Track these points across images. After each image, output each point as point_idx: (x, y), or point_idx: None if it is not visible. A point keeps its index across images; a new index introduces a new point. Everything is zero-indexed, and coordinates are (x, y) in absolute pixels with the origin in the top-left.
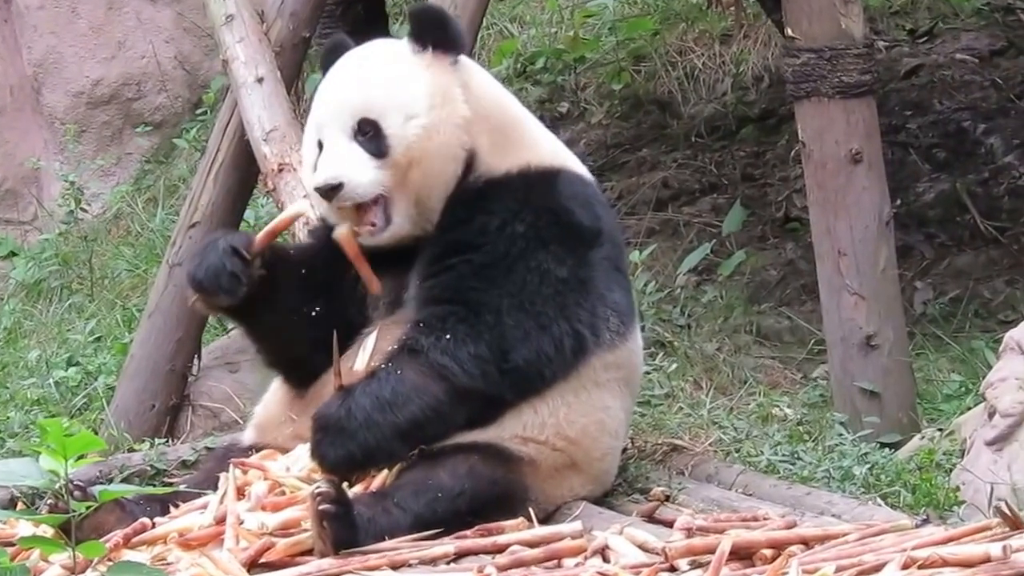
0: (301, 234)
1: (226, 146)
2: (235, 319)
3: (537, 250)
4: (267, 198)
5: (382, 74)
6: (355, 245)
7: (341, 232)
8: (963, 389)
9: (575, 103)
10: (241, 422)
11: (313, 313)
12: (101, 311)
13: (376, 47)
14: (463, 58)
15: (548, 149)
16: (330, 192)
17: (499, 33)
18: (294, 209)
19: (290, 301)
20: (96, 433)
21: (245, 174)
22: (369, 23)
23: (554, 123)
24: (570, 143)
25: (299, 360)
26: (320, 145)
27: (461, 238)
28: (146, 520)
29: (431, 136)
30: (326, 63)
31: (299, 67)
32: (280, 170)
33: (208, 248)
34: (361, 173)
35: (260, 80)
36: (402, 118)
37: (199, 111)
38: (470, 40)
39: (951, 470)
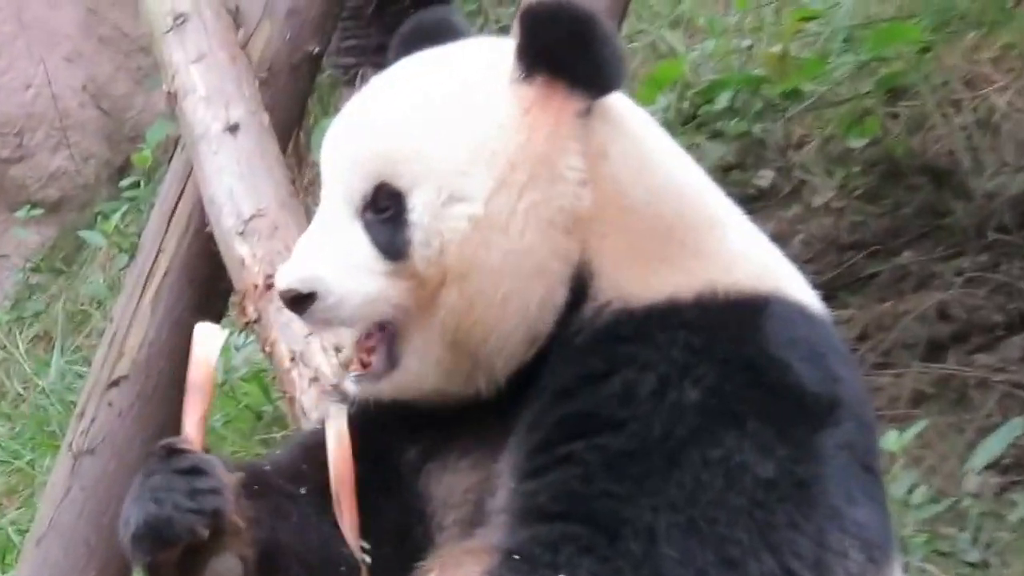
0: (301, 385)
1: (173, 244)
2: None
3: (722, 431)
4: (245, 335)
5: (431, 106)
6: (346, 443)
7: (331, 418)
8: None
9: (784, 171)
10: None
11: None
12: None
13: (464, 56)
14: (611, 102)
15: (750, 261)
16: (295, 303)
17: (650, 48)
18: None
19: (302, 539)
20: None
21: (207, 293)
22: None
23: (747, 207)
24: (775, 242)
25: None
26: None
27: (586, 408)
28: None
29: (488, 238)
30: (398, 56)
31: (302, 106)
32: (268, 288)
33: (146, 482)
34: (354, 277)
35: (233, 128)
36: (443, 197)
37: (125, 182)
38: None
39: None
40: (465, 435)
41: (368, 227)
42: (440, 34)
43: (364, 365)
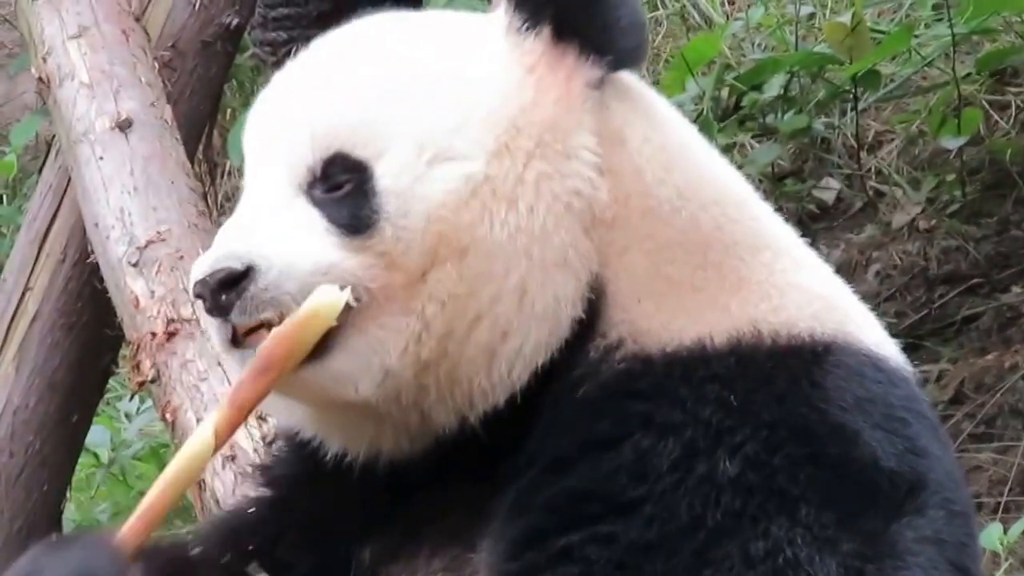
0: (213, 466)
1: (45, 280)
2: None
3: (768, 518)
4: (140, 399)
5: (403, 61)
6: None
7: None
8: None
9: (855, 181)
10: None
11: None
12: None
13: (433, 16)
14: (627, 79)
15: (807, 296)
16: (221, 289)
17: (678, 18)
18: (192, 450)
19: None
20: None
21: (89, 345)
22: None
23: (805, 226)
24: (841, 273)
25: None
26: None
27: (586, 485)
28: None
29: (490, 207)
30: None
31: (216, 97)
32: (171, 336)
33: None
34: (301, 245)
35: (125, 125)
36: (425, 157)
37: None
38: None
39: None
40: (435, 524)
41: (318, 204)
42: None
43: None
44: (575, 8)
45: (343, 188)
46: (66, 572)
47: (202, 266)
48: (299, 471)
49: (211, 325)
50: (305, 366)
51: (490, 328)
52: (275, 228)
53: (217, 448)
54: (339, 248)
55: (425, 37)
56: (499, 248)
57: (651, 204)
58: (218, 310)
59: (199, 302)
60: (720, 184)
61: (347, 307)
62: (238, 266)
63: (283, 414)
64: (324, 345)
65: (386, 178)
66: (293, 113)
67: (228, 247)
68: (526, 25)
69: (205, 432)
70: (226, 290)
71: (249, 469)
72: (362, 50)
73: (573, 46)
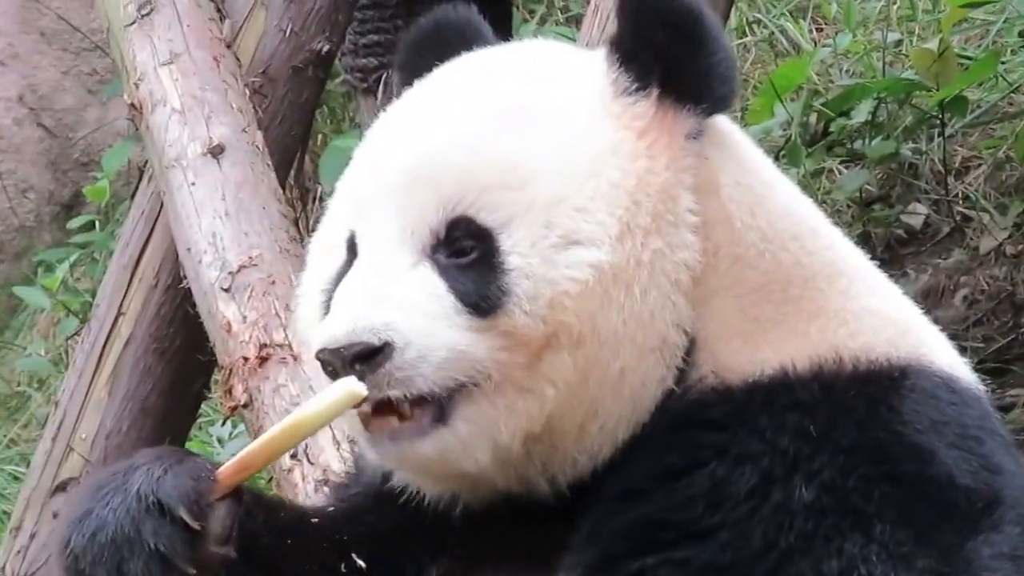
0: (305, 489)
1: (138, 305)
2: None
3: (843, 537)
4: (232, 424)
5: (533, 124)
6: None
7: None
8: None
9: (942, 206)
10: None
11: None
12: None
13: (538, 56)
14: (718, 123)
15: (884, 321)
16: (356, 362)
17: (767, 44)
18: (297, 420)
19: None
20: None
21: (182, 370)
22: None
23: (893, 251)
24: (930, 298)
25: None
26: (352, 250)
27: (663, 513)
28: None
29: (611, 293)
30: (412, 67)
31: (307, 122)
32: (263, 361)
33: (114, 492)
34: (435, 327)
35: (216, 151)
36: (553, 238)
37: (75, 223)
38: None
39: None
40: (508, 547)
41: (443, 272)
42: (464, 37)
43: (402, 417)
44: (682, 62)
45: (468, 255)
46: (152, 480)
47: (335, 333)
48: (372, 491)
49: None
50: (438, 431)
51: (588, 411)
52: (406, 299)
53: (222, 490)
54: (467, 330)
55: (538, 87)
56: (612, 336)
57: (739, 252)
58: (340, 370)
59: (322, 365)
60: (798, 217)
61: (464, 387)
62: (375, 342)
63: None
64: (447, 412)
65: (515, 256)
66: (417, 169)
67: (365, 318)
68: (635, 86)
69: (326, 401)
70: (360, 363)
71: (326, 489)
72: (480, 104)
73: (676, 99)
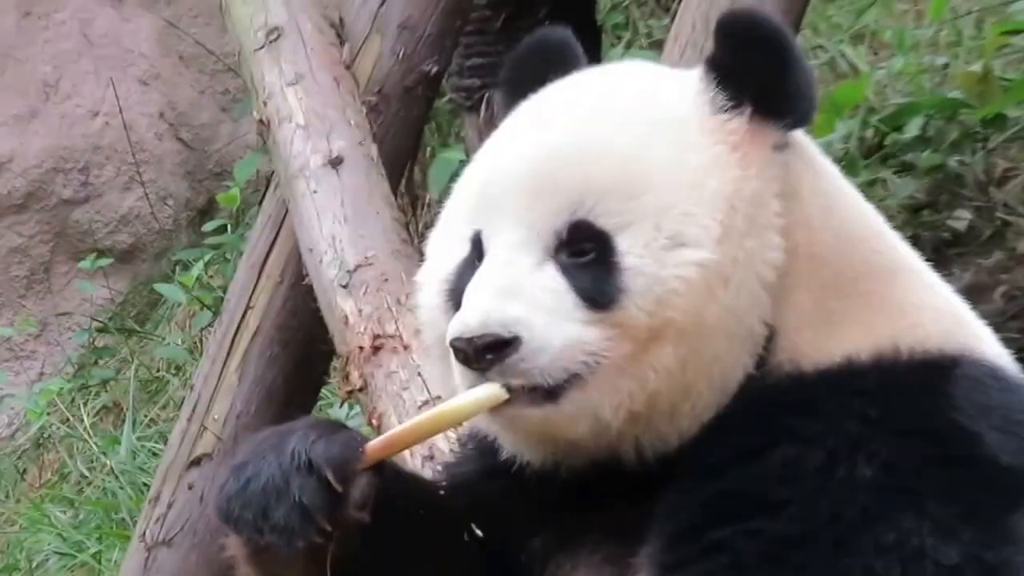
0: (413, 463)
1: (265, 300)
2: None
3: (899, 512)
4: (349, 407)
5: (643, 137)
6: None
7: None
8: None
9: (984, 212)
10: None
11: None
12: None
13: (637, 75)
14: (799, 137)
15: (938, 316)
16: (487, 352)
17: (829, 66)
18: (444, 411)
19: None
20: None
21: (303, 357)
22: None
23: (940, 252)
24: (973, 294)
25: None
26: (477, 244)
27: (739, 488)
28: None
29: (713, 290)
30: (516, 85)
31: (417, 137)
32: (377, 350)
33: (271, 449)
34: (556, 323)
35: (336, 162)
36: (662, 240)
37: (209, 226)
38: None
39: None
40: (598, 521)
41: (565, 271)
42: (564, 58)
43: (523, 388)
44: (772, 82)
45: (587, 255)
46: (308, 441)
47: (470, 323)
48: (481, 468)
49: (457, 368)
50: (547, 406)
51: (682, 394)
52: (533, 297)
53: (368, 462)
54: (583, 323)
55: (647, 105)
56: (710, 329)
57: (815, 250)
58: (476, 366)
59: (454, 351)
60: (864, 220)
61: (576, 375)
62: (506, 334)
63: (484, 426)
64: (557, 392)
65: (630, 256)
66: (543, 176)
67: (497, 311)
68: (731, 104)
69: (470, 398)
70: (490, 353)
71: (439, 468)
72: (597, 118)
73: (764, 115)
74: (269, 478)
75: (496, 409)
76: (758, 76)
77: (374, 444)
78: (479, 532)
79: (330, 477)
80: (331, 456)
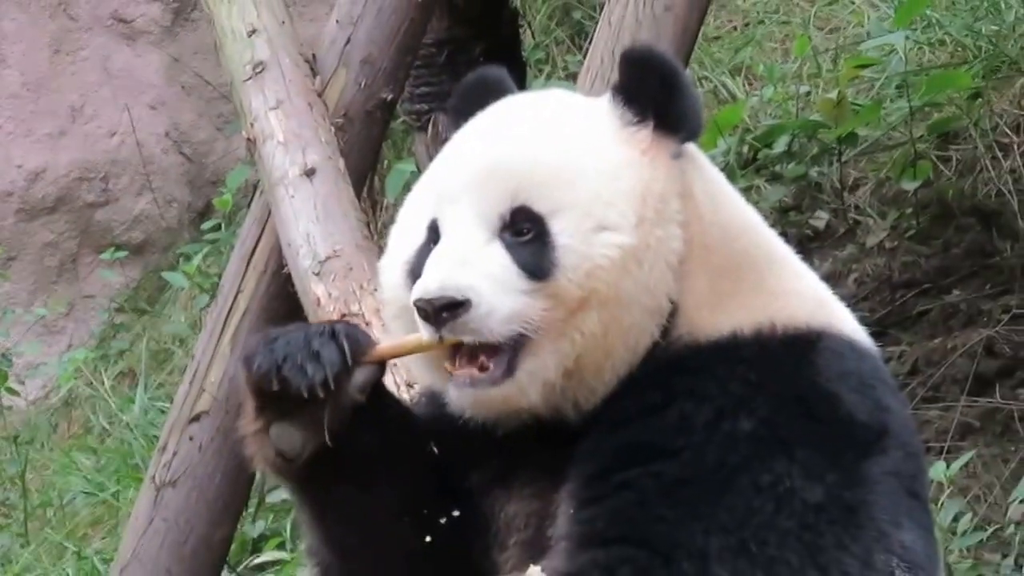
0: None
1: (252, 285)
2: (301, 483)
3: (773, 459)
4: None
5: (569, 142)
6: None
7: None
8: None
9: (839, 213)
10: None
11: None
12: (41, 562)
13: (559, 99)
14: (691, 148)
15: (804, 298)
16: (443, 311)
17: (712, 94)
18: (418, 336)
19: (388, 491)
20: None
21: None
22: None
23: (803, 246)
24: (830, 280)
25: None
26: (433, 230)
27: (643, 437)
28: None
29: (629, 267)
30: (462, 109)
31: (376, 152)
32: None
33: (298, 327)
34: (501, 293)
35: (310, 173)
36: (589, 224)
37: (207, 225)
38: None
39: None
40: (528, 462)
41: (508, 248)
42: (499, 89)
43: (482, 369)
44: (668, 103)
45: (526, 235)
46: (328, 324)
47: (429, 287)
48: (430, 413)
49: (422, 324)
50: (498, 382)
51: (604, 354)
52: (482, 268)
53: (372, 358)
54: (524, 292)
55: (572, 118)
56: (629, 300)
57: (707, 241)
58: (434, 324)
59: (417, 311)
60: (745, 217)
61: (522, 337)
62: (459, 297)
63: (427, 380)
64: (512, 365)
65: (563, 236)
66: (490, 170)
67: (452, 278)
68: (637, 119)
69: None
70: (445, 311)
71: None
72: (533, 126)
73: (663, 130)
74: (294, 337)
75: (461, 385)
76: (656, 98)
77: (381, 346)
78: (435, 449)
79: (346, 347)
80: (349, 333)
